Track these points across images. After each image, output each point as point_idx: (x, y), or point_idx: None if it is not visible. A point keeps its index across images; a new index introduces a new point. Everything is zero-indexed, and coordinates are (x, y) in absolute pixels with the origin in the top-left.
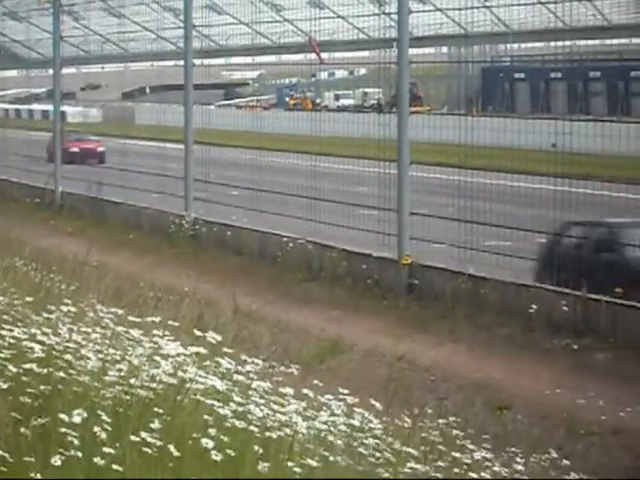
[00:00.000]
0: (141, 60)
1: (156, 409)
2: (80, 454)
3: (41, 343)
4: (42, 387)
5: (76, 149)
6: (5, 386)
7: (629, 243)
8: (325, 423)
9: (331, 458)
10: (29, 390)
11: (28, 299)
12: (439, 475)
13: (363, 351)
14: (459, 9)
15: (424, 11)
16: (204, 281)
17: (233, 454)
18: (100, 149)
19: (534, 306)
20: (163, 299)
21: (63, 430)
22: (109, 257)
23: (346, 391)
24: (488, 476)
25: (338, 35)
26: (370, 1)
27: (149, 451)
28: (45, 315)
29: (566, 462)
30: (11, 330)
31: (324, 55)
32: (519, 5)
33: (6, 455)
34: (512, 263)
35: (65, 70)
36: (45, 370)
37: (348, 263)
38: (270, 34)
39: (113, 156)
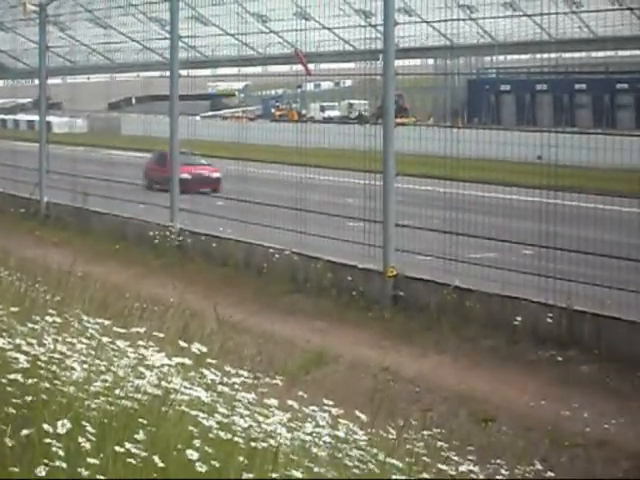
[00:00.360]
0: (127, 71)
1: (141, 420)
2: (65, 465)
3: (26, 353)
4: (27, 397)
5: (187, 175)
6: None
7: None
8: (310, 434)
9: (315, 469)
10: (14, 400)
11: (13, 309)
12: None
13: (348, 362)
14: (445, 21)
15: (410, 23)
16: (189, 292)
17: (218, 465)
18: (215, 175)
19: (519, 318)
20: (148, 310)
21: (48, 441)
22: (94, 268)
23: (331, 402)
24: None
25: (324, 47)
26: (356, 13)
27: (133, 462)
28: (30, 325)
29: (551, 474)
30: None
31: (310, 66)
32: (505, 17)
33: None
34: (497, 275)
35: (51, 80)
36: (30, 380)
37: (333, 274)
38: (256, 45)
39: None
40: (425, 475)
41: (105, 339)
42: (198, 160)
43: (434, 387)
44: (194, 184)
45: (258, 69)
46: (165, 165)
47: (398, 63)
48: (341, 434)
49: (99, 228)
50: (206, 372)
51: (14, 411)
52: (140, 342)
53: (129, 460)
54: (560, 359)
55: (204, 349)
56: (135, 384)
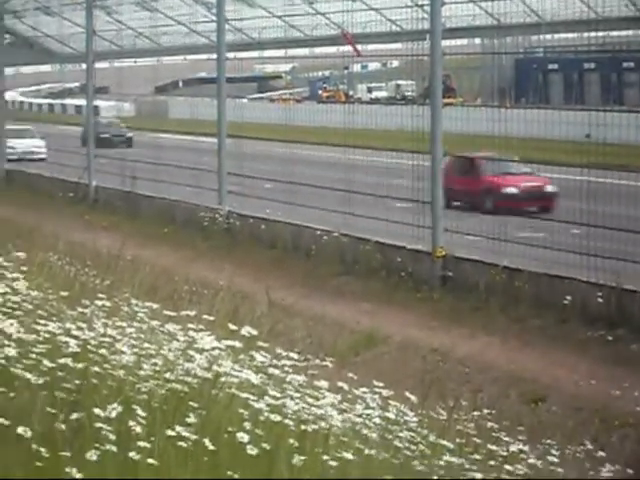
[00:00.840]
0: (174, 54)
1: (191, 403)
2: (115, 449)
3: (76, 338)
4: (77, 382)
5: (513, 189)
6: (41, 381)
7: None
8: (360, 416)
9: (366, 451)
10: (64, 385)
11: (63, 293)
12: (474, 467)
13: (397, 344)
14: (492, 0)
15: (457, 2)
16: (238, 275)
17: (269, 448)
18: (549, 188)
19: (568, 297)
20: (198, 293)
21: (98, 425)
22: (144, 251)
23: (381, 384)
24: (524, 469)
25: (371, 27)
26: None
27: (184, 445)
28: (80, 310)
29: (601, 453)
30: (46, 325)
31: (358, 47)
32: None
33: (42, 450)
34: (545, 254)
35: (98, 65)
36: (80, 365)
37: (382, 256)
38: (302, 27)
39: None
40: (476, 456)
41: (155, 323)
42: (521, 168)
43: (484, 368)
44: (522, 201)
45: (305, 51)
46: (473, 175)
47: (445, 43)
48: (391, 416)
49: (148, 211)
50: (256, 355)
51: (65, 395)
52: (190, 325)
53: (180, 443)
54: (610, 338)
55: (254, 332)
56: (185, 367)
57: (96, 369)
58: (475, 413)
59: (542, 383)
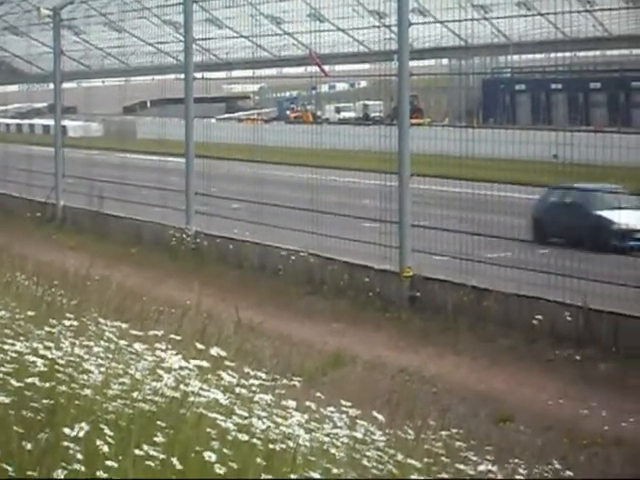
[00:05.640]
0: (142, 74)
1: (159, 422)
2: (83, 468)
3: (43, 357)
4: (45, 401)
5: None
6: (8, 400)
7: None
8: (328, 435)
9: (334, 471)
10: (32, 404)
11: (30, 313)
12: None
13: (365, 363)
14: (459, 21)
15: (424, 23)
16: (206, 294)
17: (236, 467)
18: None
19: (538, 317)
20: (165, 312)
21: (66, 444)
22: (111, 271)
23: (348, 403)
24: None
25: (338, 48)
26: (370, 14)
27: (152, 464)
28: (47, 329)
29: (569, 473)
30: (13, 344)
31: (325, 68)
32: (519, 16)
33: (9, 469)
34: (514, 274)
35: (65, 85)
36: (48, 384)
37: (350, 276)
38: (271, 47)
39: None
40: (444, 475)
41: (122, 342)
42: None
43: (452, 387)
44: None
45: (273, 71)
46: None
47: (412, 64)
48: (359, 435)
49: (116, 231)
50: (224, 374)
51: (32, 415)
52: (158, 345)
53: (148, 463)
54: (578, 358)
55: (222, 352)
56: (153, 387)
57: (64, 388)
58: (443, 432)
59: (511, 403)
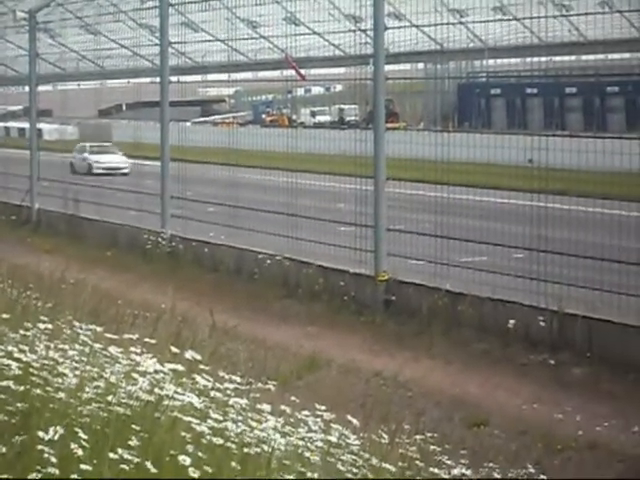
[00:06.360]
0: (117, 77)
1: (134, 426)
2: (58, 471)
3: (18, 360)
4: (19, 404)
5: None
6: None
7: None
8: (302, 439)
9: (309, 474)
10: (6, 407)
11: (4, 316)
12: None
13: (340, 367)
14: (435, 25)
15: (400, 27)
16: (181, 298)
17: (211, 470)
18: None
19: (512, 321)
20: (140, 316)
21: (41, 447)
22: (87, 274)
23: (323, 407)
24: None
25: (314, 52)
26: (346, 18)
27: (127, 468)
28: (22, 332)
29: (543, 477)
30: None
31: (302, 71)
32: (495, 21)
33: None
34: (489, 279)
35: (41, 87)
36: (22, 387)
37: (325, 279)
38: (246, 51)
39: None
40: (418, 478)
41: (97, 345)
42: None
43: (426, 391)
44: None
45: (248, 75)
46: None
47: (388, 68)
48: (334, 439)
49: (91, 235)
50: (199, 378)
51: (6, 418)
52: (132, 348)
53: (122, 466)
54: (552, 362)
55: (197, 355)
56: (128, 390)
57: (38, 392)
58: (417, 437)
59: (485, 407)
